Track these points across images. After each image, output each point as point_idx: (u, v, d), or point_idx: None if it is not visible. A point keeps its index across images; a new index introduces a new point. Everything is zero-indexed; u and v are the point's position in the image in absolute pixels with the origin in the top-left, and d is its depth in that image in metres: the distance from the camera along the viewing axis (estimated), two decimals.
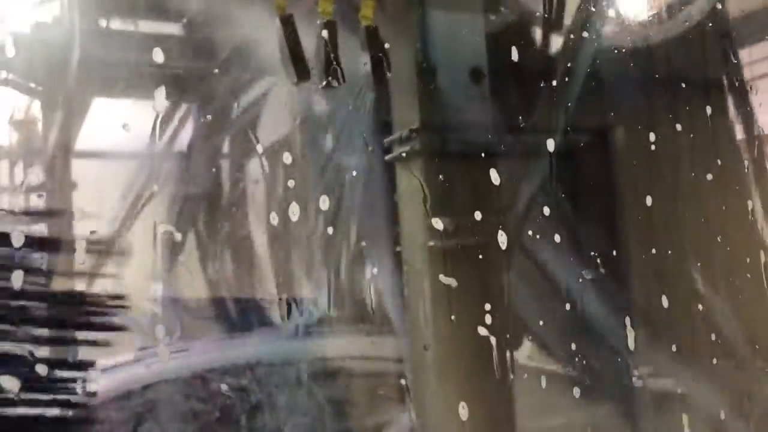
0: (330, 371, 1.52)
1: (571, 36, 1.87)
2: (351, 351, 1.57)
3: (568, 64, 1.86)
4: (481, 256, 1.70)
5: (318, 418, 1.52)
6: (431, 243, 1.65)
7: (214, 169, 1.46)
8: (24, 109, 1.32)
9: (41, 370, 1.27)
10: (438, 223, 1.64)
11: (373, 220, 1.57)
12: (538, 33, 1.89)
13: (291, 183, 1.52)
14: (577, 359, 1.78)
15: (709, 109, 2.06)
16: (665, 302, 1.91)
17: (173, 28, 1.45)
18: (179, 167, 1.39)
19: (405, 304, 1.62)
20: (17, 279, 1.28)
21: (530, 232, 1.75)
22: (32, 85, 1.31)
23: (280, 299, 1.45)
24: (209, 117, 1.47)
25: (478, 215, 1.68)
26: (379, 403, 1.57)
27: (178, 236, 1.37)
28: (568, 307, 1.80)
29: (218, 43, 1.49)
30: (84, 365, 1.30)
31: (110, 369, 1.34)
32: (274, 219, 1.49)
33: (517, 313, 1.77)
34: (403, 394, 1.58)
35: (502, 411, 1.72)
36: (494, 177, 1.71)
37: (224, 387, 1.44)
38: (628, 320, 1.84)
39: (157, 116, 1.35)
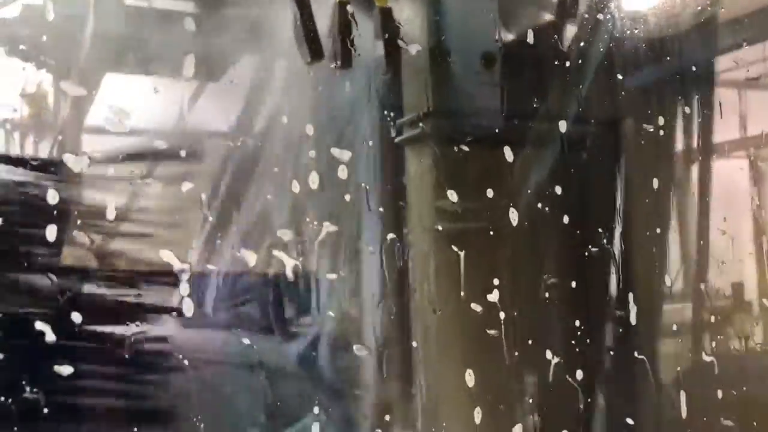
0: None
1: (586, 17, 1.88)
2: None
3: (581, 44, 1.87)
4: (492, 232, 1.74)
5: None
6: (438, 226, 1.69)
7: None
8: (36, 82, 1.33)
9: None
10: (446, 206, 1.67)
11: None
12: (551, 16, 1.90)
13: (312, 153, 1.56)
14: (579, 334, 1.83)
15: (717, 96, 2.10)
16: (668, 281, 1.96)
17: (187, 5, 1.46)
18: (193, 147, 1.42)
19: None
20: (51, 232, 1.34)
21: (540, 206, 1.78)
22: (44, 58, 1.33)
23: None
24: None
25: (486, 199, 1.71)
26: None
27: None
28: (574, 284, 1.84)
29: (231, 20, 1.50)
30: None
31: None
32: (296, 186, 1.54)
33: (523, 287, 1.80)
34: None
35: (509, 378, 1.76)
36: (508, 155, 1.75)
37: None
38: (631, 296, 1.89)
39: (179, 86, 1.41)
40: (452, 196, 1.68)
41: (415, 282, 1.67)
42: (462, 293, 1.68)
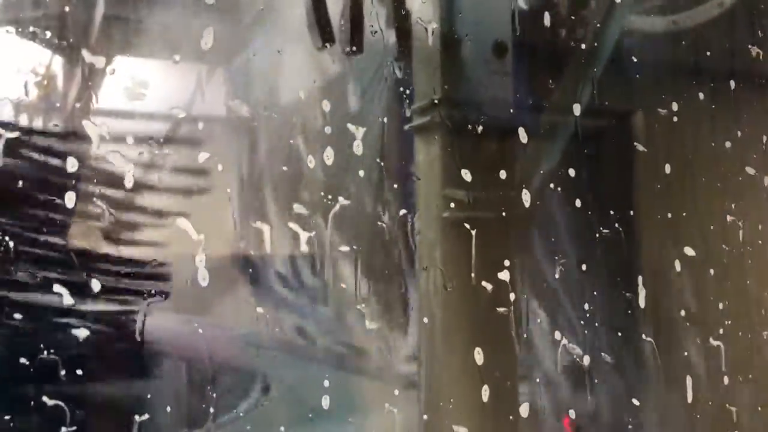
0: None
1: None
2: None
3: (597, 25, 1.88)
4: (504, 214, 1.75)
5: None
6: (446, 214, 1.71)
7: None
8: (45, 64, 1.35)
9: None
10: (455, 194, 1.68)
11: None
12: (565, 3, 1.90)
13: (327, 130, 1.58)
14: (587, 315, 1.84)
15: (732, 83, 2.11)
16: (678, 266, 1.97)
17: None
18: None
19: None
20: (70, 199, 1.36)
21: (552, 186, 1.79)
22: (55, 39, 1.34)
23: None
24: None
25: (497, 185, 1.72)
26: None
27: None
28: (584, 267, 1.85)
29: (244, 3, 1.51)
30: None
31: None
32: (312, 162, 1.56)
33: (534, 268, 1.81)
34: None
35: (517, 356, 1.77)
36: (522, 135, 1.76)
37: None
38: (640, 279, 1.90)
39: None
40: (465, 176, 1.69)
41: (426, 258, 1.68)
42: (473, 272, 1.69)
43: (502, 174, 1.74)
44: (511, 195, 1.75)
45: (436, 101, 1.69)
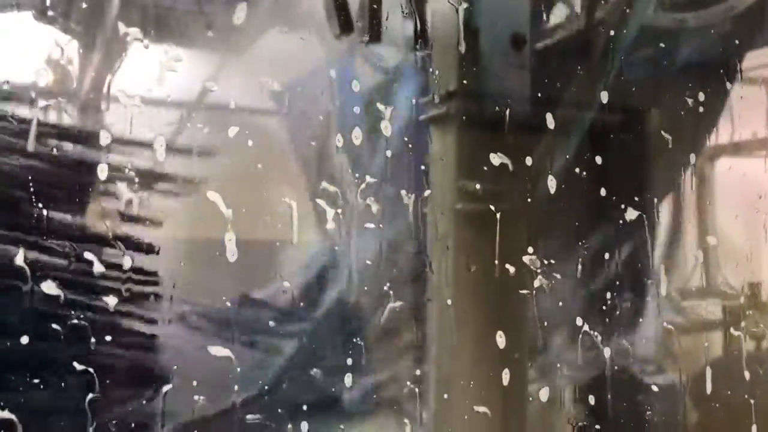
0: None
1: None
2: None
3: (625, 9, 1.88)
4: (530, 199, 1.76)
5: None
6: (459, 206, 1.71)
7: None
8: (82, 33, 1.36)
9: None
10: (469, 186, 1.69)
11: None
12: None
13: (357, 109, 1.59)
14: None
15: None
16: (701, 255, 1.98)
17: None
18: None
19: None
20: (102, 171, 1.38)
21: (577, 170, 1.80)
22: (71, 24, 1.35)
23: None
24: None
25: (508, 182, 1.73)
26: None
27: None
28: (607, 255, 1.86)
29: None
30: None
31: None
32: (339, 141, 1.57)
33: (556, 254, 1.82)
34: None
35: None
36: (549, 121, 1.77)
37: None
38: (662, 267, 1.91)
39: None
40: (481, 166, 1.70)
41: (449, 240, 1.69)
42: (497, 253, 1.70)
43: (520, 164, 1.74)
44: (528, 186, 1.75)
45: (452, 91, 1.70)
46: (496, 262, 1.71)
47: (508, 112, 1.74)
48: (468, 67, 1.71)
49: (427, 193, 1.66)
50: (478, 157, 1.71)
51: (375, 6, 1.60)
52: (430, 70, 1.69)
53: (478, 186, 1.70)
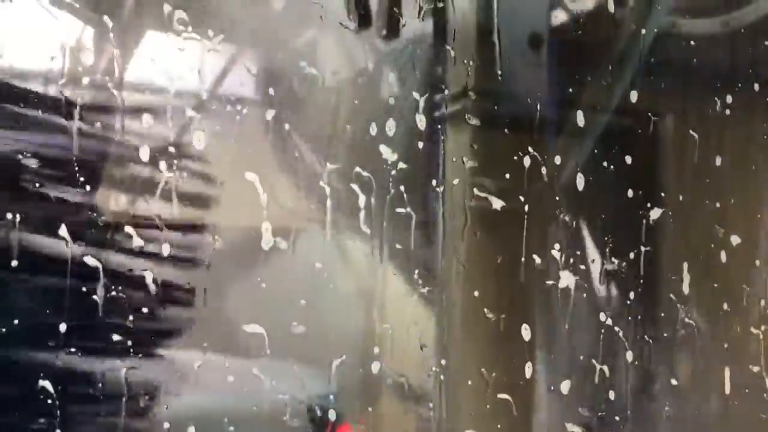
0: None
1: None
2: None
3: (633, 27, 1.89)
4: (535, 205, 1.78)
5: None
6: (472, 203, 1.72)
7: None
8: (77, 35, 1.34)
9: None
10: (483, 182, 1.71)
11: None
12: None
13: (391, 100, 1.62)
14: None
15: None
16: (723, 256, 1.99)
17: None
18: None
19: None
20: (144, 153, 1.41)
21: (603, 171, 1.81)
22: (88, 11, 1.34)
23: None
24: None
25: (523, 180, 1.74)
26: None
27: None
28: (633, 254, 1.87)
29: None
30: None
31: None
32: (374, 128, 1.60)
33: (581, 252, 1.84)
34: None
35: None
36: (580, 119, 1.78)
37: None
38: (685, 265, 1.93)
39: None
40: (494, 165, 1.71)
41: (477, 231, 1.71)
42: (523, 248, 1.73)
43: (529, 163, 1.76)
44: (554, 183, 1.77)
45: (467, 88, 1.70)
46: (523, 258, 1.72)
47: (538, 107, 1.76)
48: (484, 65, 1.72)
49: (455, 181, 1.67)
50: (506, 153, 1.73)
51: (393, 1, 1.61)
52: (450, 65, 1.70)
53: (504, 179, 1.72)
